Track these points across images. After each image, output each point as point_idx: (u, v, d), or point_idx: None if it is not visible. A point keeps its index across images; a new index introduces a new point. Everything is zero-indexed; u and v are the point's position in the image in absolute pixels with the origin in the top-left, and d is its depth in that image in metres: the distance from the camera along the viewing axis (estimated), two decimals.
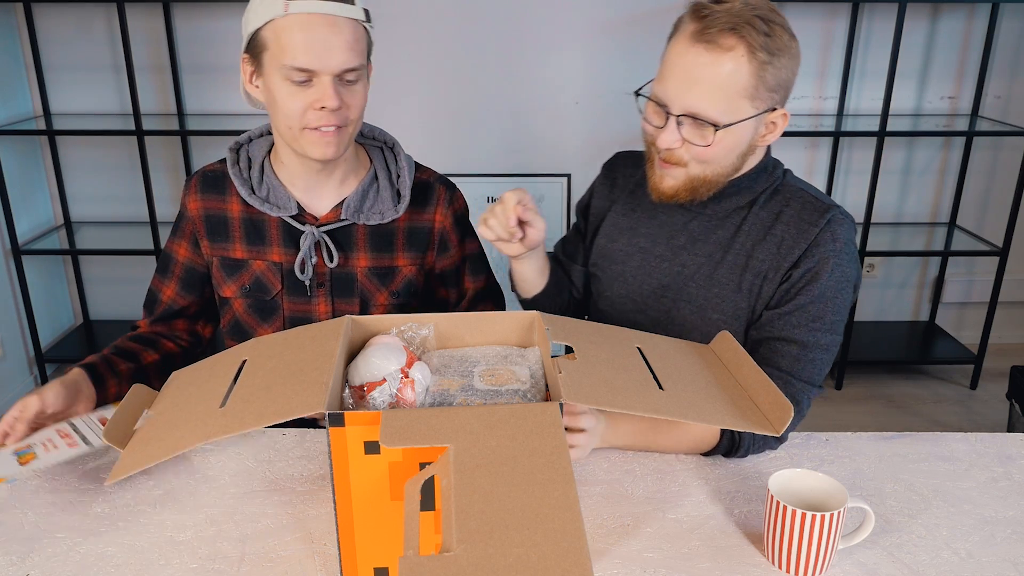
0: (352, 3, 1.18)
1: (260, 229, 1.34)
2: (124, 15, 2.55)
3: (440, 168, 1.48)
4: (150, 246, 2.82)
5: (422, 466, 0.85)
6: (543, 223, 1.20)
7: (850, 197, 3.10)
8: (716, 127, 1.11)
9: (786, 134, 2.75)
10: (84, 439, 1.14)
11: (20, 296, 2.88)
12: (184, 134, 2.78)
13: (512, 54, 2.88)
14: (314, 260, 1.33)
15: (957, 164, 3.04)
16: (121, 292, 3.20)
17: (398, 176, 1.36)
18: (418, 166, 1.40)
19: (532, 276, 1.32)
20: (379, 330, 1.04)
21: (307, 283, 1.34)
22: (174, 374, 1.08)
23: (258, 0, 1.17)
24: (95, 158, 3.00)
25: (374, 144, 1.39)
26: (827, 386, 3.00)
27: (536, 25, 2.85)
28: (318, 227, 1.32)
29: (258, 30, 1.18)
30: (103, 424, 1.17)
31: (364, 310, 1.37)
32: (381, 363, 0.94)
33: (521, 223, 1.19)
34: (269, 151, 1.35)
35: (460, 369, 1.00)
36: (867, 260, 3.12)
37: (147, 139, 2.76)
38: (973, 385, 3.01)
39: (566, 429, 1.11)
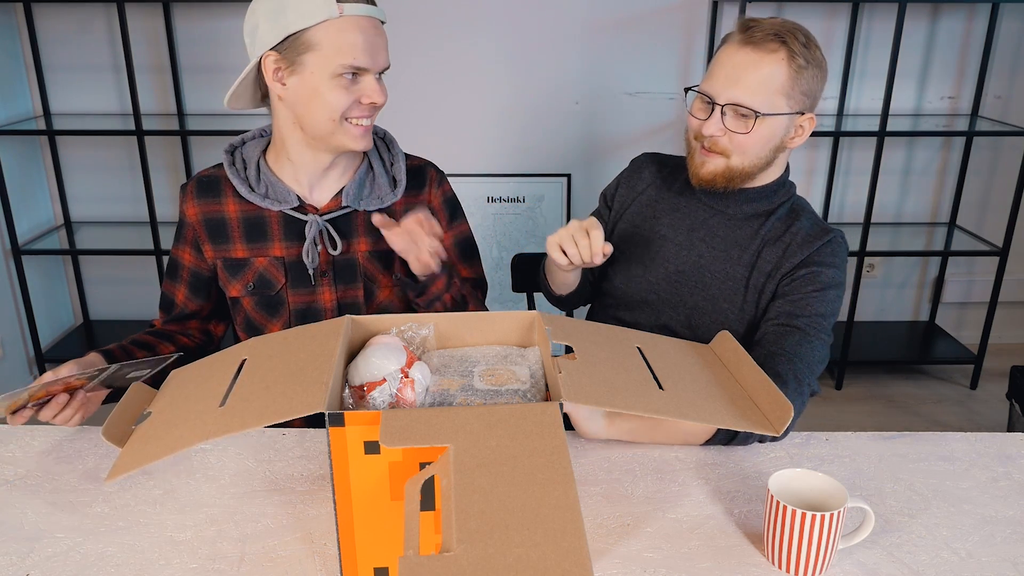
0: (376, 5, 1.27)
1: (260, 226, 1.36)
2: (124, 15, 2.55)
3: (440, 168, 1.50)
4: (150, 246, 2.82)
5: (422, 466, 0.85)
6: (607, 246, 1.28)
7: (850, 197, 3.10)
8: (756, 115, 1.25)
9: None
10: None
11: (20, 296, 2.88)
12: (184, 134, 2.78)
13: (512, 54, 2.88)
14: (319, 248, 1.36)
15: (957, 164, 3.04)
16: (121, 292, 3.20)
17: (392, 163, 1.41)
18: (408, 155, 1.46)
19: (573, 279, 1.43)
20: (379, 330, 1.04)
21: (311, 272, 1.36)
22: (173, 372, 1.08)
23: (299, 1, 1.20)
24: (95, 158, 3.00)
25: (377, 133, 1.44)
26: (827, 386, 3.00)
27: (536, 25, 2.85)
28: (321, 216, 1.35)
29: (304, 30, 1.21)
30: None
31: (369, 295, 1.39)
32: (381, 363, 0.94)
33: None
34: (264, 151, 1.38)
35: (460, 369, 1.00)
36: (867, 260, 3.12)
37: (147, 139, 2.76)
38: (973, 385, 3.01)
39: None
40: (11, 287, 2.89)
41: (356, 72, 1.24)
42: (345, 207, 1.36)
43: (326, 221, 1.35)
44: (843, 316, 3.01)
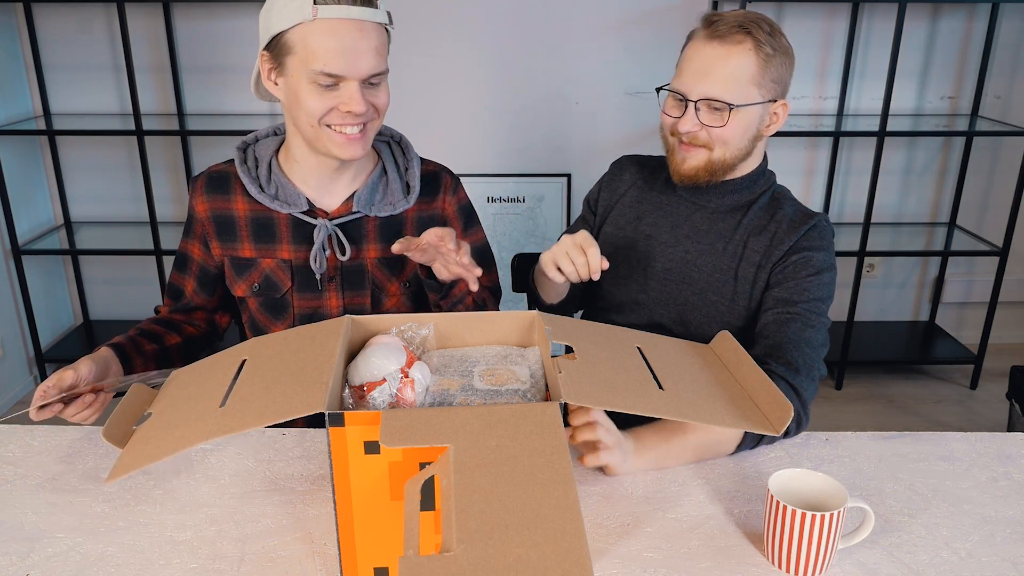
0: (377, 7, 1.19)
1: (268, 227, 1.34)
2: (124, 15, 2.55)
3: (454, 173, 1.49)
4: (150, 246, 2.82)
5: (422, 466, 0.85)
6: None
7: (850, 197, 3.10)
8: (731, 107, 1.27)
9: (786, 134, 2.77)
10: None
11: (20, 296, 2.88)
12: (184, 134, 2.78)
13: (512, 54, 2.88)
14: (326, 253, 1.34)
15: (957, 164, 3.04)
16: (121, 292, 3.20)
17: (407, 168, 1.38)
18: (423, 159, 1.42)
19: (563, 289, 1.42)
20: (379, 330, 1.04)
21: (318, 277, 1.34)
22: (174, 373, 1.08)
23: (282, 1, 1.17)
24: (95, 158, 3.00)
25: (381, 139, 1.41)
26: (827, 386, 3.00)
27: (536, 26, 2.85)
28: (331, 220, 1.33)
29: (283, 32, 1.18)
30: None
31: (376, 302, 1.38)
32: (381, 363, 0.94)
33: None
34: (276, 151, 1.35)
35: (460, 369, 1.00)
36: (867, 260, 3.12)
37: (147, 139, 2.76)
38: (973, 385, 3.01)
39: (587, 443, 1.11)
40: (11, 287, 2.89)
41: (333, 78, 1.18)
42: (356, 212, 1.33)
43: (336, 226, 1.33)
44: (843, 316, 3.01)
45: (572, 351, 0.96)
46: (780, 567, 0.95)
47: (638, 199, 1.46)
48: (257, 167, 1.35)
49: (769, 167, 1.41)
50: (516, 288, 1.87)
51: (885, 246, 2.95)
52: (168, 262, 2.85)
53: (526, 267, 1.81)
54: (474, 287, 1.23)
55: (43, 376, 2.98)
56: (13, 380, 2.91)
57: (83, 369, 1.16)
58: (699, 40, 1.30)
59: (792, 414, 0.91)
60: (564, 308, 1.50)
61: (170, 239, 2.89)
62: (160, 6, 2.78)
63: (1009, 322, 3.27)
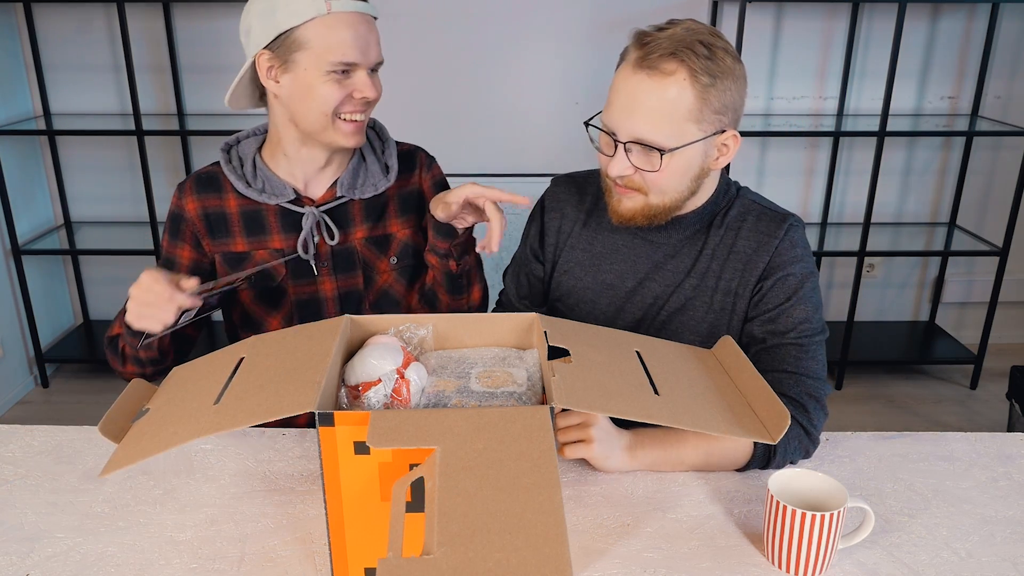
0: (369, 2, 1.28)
1: (259, 220, 1.38)
2: (124, 15, 2.55)
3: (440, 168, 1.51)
4: (150, 246, 2.82)
5: (412, 467, 0.85)
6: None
7: (850, 197, 3.10)
8: (662, 152, 1.12)
9: (786, 134, 2.77)
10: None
11: (20, 296, 2.88)
12: (184, 134, 2.78)
13: (512, 54, 2.88)
14: (316, 240, 1.38)
15: (957, 164, 3.04)
16: (121, 292, 3.19)
17: (383, 151, 1.44)
18: (397, 142, 1.48)
19: None
20: (378, 330, 1.04)
21: (311, 262, 1.38)
22: (174, 370, 1.08)
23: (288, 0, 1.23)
24: (95, 158, 3.00)
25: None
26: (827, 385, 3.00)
27: (536, 25, 2.85)
28: (317, 207, 1.37)
29: (293, 29, 1.23)
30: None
31: (368, 281, 1.42)
32: (377, 363, 0.94)
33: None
34: (259, 148, 1.41)
35: (457, 370, 1.00)
36: (867, 260, 3.11)
37: (147, 139, 2.76)
38: (973, 385, 3.01)
39: (576, 441, 1.11)
40: (11, 287, 2.89)
41: (347, 68, 1.25)
42: (340, 197, 1.39)
43: (323, 212, 1.38)
44: (843, 316, 3.01)
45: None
46: (780, 567, 0.95)
47: (589, 240, 1.33)
48: (242, 165, 1.40)
49: (732, 176, 1.28)
50: None
51: (885, 246, 2.95)
52: None
53: None
54: (495, 239, 1.22)
55: (43, 376, 2.98)
56: (13, 380, 2.91)
57: (191, 281, 1.19)
58: (628, 66, 1.14)
59: (789, 422, 0.89)
60: None
61: None
62: (160, 6, 2.78)
63: (1009, 322, 3.26)
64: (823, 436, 1.24)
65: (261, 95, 1.37)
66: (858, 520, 0.99)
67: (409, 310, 1.45)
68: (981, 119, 2.92)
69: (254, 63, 1.28)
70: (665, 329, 1.28)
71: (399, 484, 0.75)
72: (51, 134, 2.81)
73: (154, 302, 1.18)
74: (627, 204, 1.21)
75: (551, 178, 1.44)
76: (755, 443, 1.13)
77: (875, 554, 0.99)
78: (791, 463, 1.16)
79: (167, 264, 1.42)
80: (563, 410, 1.10)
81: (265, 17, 1.24)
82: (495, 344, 1.07)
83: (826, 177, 3.05)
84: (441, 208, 1.25)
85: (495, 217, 1.21)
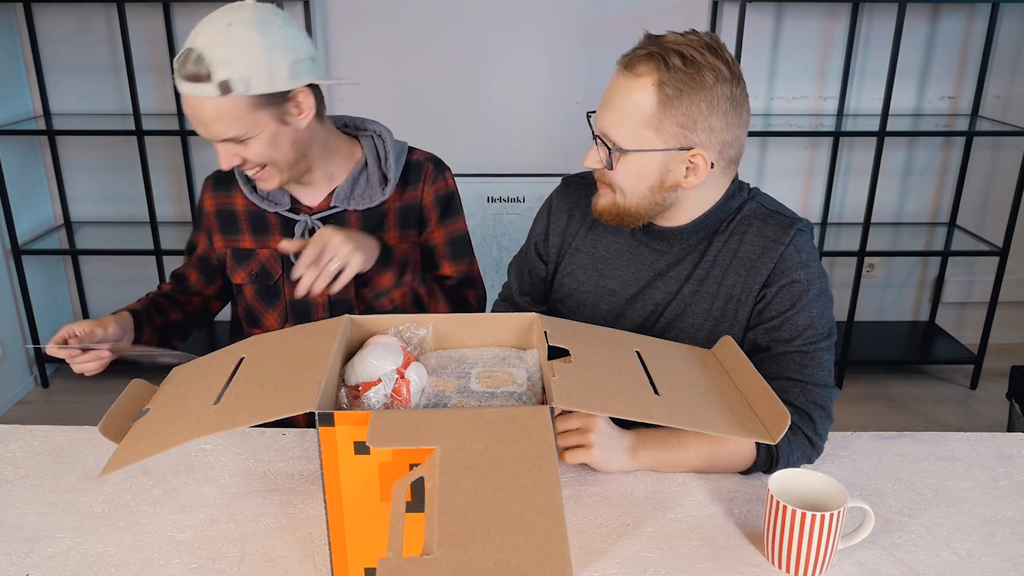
0: (208, 79, 1.19)
1: (263, 221, 1.43)
2: (124, 15, 2.55)
3: (444, 163, 1.50)
4: (150, 246, 2.82)
5: (412, 467, 0.85)
6: None
7: (850, 197, 3.10)
8: (611, 150, 1.14)
9: (786, 134, 2.77)
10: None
11: (20, 296, 2.88)
12: (184, 134, 2.78)
13: (512, 54, 2.88)
14: None
15: (957, 164, 3.04)
16: (121, 292, 3.20)
17: (386, 160, 1.44)
18: (413, 149, 1.47)
19: None
20: (378, 330, 1.04)
21: None
22: (174, 370, 1.08)
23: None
24: (95, 158, 3.00)
25: (366, 134, 1.46)
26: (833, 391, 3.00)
27: (537, 25, 2.85)
28: (311, 215, 1.40)
29: None
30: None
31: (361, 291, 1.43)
32: (377, 363, 0.94)
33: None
34: None
35: (457, 370, 1.00)
36: (867, 260, 3.11)
37: (147, 139, 2.76)
38: (973, 385, 3.01)
39: (576, 446, 1.11)
40: (11, 287, 2.89)
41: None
42: (333, 207, 1.40)
43: (318, 219, 1.40)
44: (843, 316, 3.01)
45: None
46: (780, 567, 0.95)
47: (593, 244, 1.32)
48: None
49: (742, 187, 1.27)
50: None
51: (885, 246, 2.95)
52: (168, 262, 2.86)
53: None
54: (297, 293, 1.23)
55: (43, 376, 2.98)
56: (13, 380, 2.90)
57: (111, 329, 1.28)
58: (619, 63, 1.16)
59: (789, 422, 0.89)
60: None
61: (170, 239, 2.89)
62: (160, 6, 2.78)
63: (1009, 322, 3.26)
64: None
65: None
66: (858, 520, 0.99)
67: None
68: (981, 119, 2.92)
69: None
70: (664, 335, 1.26)
71: (399, 484, 0.75)
72: (51, 134, 2.81)
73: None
74: (601, 201, 1.22)
75: (561, 177, 1.42)
76: (758, 449, 1.13)
77: (875, 554, 0.99)
78: (808, 462, 1.16)
79: (189, 248, 1.53)
80: (562, 412, 1.11)
81: None
82: (495, 344, 1.07)
83: (826, 177, 3.05)
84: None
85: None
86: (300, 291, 1.20)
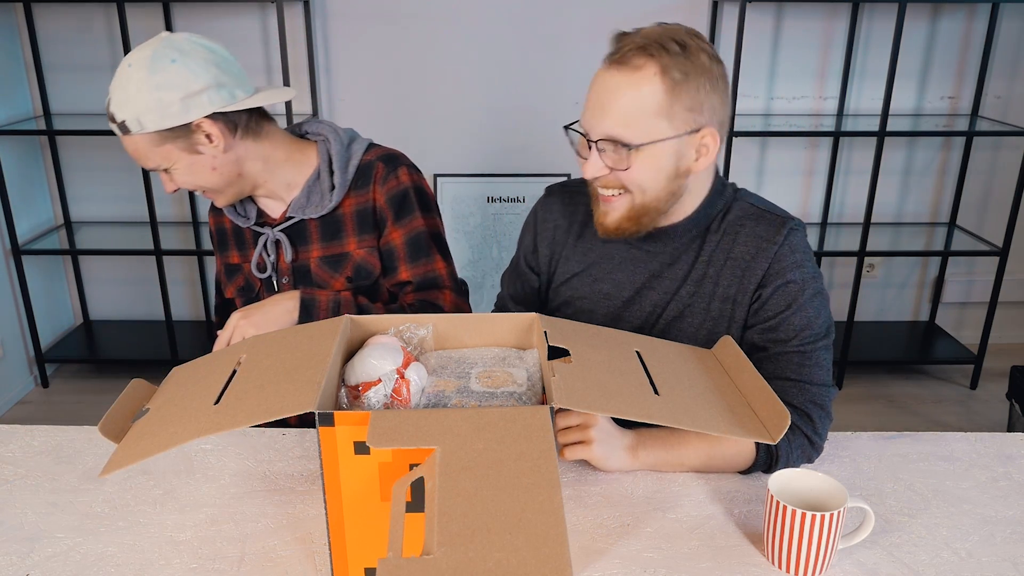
0: (114, 121, 1.26)
1: (241, 237, 1.50)
2: (124, 15, 2.55)
3: (440, 168, 1.51)
4: (150, 246, 2.82)
5: (412, 467, 0.85)
6: None
7: (850, 197, 3.10)
8: (629, 148, 1.10)
9: (786, 134, 2.77)
10: None
11: (20, 296, 2.88)
12: None
13: (513, 54, 2.88)
14: (271, 259, 1.45)
15: (957, 164, 3.04)
16: (121, 292, 3.20)
17: (336, 166, 1.42)
18: (372, 147, 1.44)
19: None
20: (378, 330, 1.04)
21: (273, 279, 1.47)
22: (174, 370, 1.08)
23: None
24: (95, 158, 3.00)
25: (319, 137, 1.44)
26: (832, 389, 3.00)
27: (537, 25, 2.85)
28: (274, 227, 1.43)
29: None
30: None
31: None
32: (377, 363, 0.94)
33: None
34: None
35: (457, 370, 1.00)
36: (867, 260, 3.12)
37: None
38: (973, 385, 3.01)
39: (576, 442, 1.11)
40: (11, 287, 2.89)
41: None
42: (290, 217, 1.42)
43: (281, 231, 1.43)
44: (843, 316, 3.01)
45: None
46: (780, 567, 0.95)
47: (584, 251, 1.31)
48: None
49: (732, 177, 1.27)
50: None
51: (885, 246, 2.95)
52: (167, 262, 2.86)
53: None
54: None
55: (43, 376, 2.98)
56: (13, 380, 2.90)
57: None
58: (602, 66, 1.13)
59: (789, 421, 0.89)
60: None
61: (170, 239, 2.89)
62: (160, 6, 2.78)
63: (1009, 322, 3.26)
64: None
65: None
66: (858, 520, 0.99)
67: None
68: (981, 119, 2.92)
69: None
70: (663, 337, 1.25)
71: (399, 484, 0.75)
72: (51, 134, 2.81)
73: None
74: (612, 216, 1.18)
75: (545, 187, 1.40)
76: (757, 449, 1.13)
77: (875, 554, 0.99)
78: (807, 461, 1.16)
79: (217, 278, 1.59)
80: (561, 410, 1.11)
81: None
82: (495, 344, 1.07)
83: (826, 177, 3.05)
84: None
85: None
86: None
